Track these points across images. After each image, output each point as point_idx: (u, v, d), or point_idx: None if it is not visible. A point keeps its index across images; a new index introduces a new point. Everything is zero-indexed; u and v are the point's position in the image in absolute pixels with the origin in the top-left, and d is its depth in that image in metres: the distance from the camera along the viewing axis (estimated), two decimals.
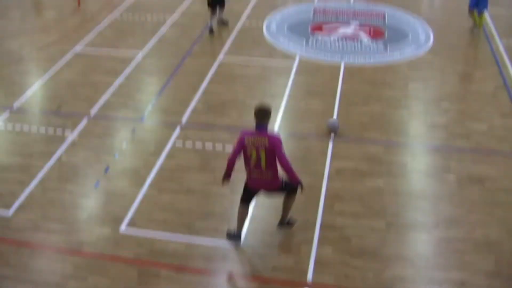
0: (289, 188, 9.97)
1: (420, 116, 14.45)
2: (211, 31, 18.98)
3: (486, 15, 19.74)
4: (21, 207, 11.37)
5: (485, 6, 18.85)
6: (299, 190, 9.90)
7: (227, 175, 9.81)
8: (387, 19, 20.28)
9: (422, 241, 10.60)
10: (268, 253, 10.28)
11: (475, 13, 18.89)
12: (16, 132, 13.72)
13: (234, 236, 10.36)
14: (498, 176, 12.29)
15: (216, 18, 19.30)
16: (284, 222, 10.57)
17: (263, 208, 11.26)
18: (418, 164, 12.68)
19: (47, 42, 18.48)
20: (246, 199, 10.16)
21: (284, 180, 9.84)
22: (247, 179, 9.92)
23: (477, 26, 19.03)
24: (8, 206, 11.39)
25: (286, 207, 10.31)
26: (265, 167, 9.41)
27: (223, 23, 19.57)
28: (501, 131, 13.82)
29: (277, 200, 10.76)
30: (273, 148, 9.21)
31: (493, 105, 14.93)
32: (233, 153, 9.60)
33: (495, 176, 12.26)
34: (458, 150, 13.10)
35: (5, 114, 14.42)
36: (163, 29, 19.38)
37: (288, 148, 12.82)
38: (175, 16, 20.45)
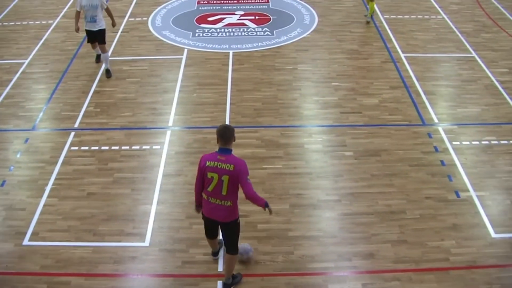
0: (232, 238, 9.15)
1: (312, 97, 14.62)
2: (98, 58, 16.83)
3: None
4: None
5: None
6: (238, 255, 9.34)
7: (197, 204, 9.17)
8: (271, 4, 20.39)
9: (327, 219, 10.75)
10: (177, 249, 10.19)
11: None
12: None
13: (212, 253, 10.02)
14: (392, 147, 12.61)
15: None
16: (228, 283, 9.43)
17: (166, 205, 11.19)
18: (314, 144, 12.83)
19: None
20: (209, 235, 9.49)
21: (236, 221, 8.95)
22: (203, 207, 8.99)
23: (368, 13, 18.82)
24: None
25: (227, 266, 9.34)
26: (226, 194, 8.62)
27: (107, 74, 16.10)
28: (391, 103, 14.17)
29: (181, 195, 10.73)
30: (238, 175, 8.46)
31: (381, 79, 15.29)
32: (196, 181, 8.88)
33: (390, 148, 12.59)
34: (352, 126, 13.33)
35: None
36: (47, 34, 18.79)
37: (184, 141, 12.85)
38: (58, 20, 19.86)
